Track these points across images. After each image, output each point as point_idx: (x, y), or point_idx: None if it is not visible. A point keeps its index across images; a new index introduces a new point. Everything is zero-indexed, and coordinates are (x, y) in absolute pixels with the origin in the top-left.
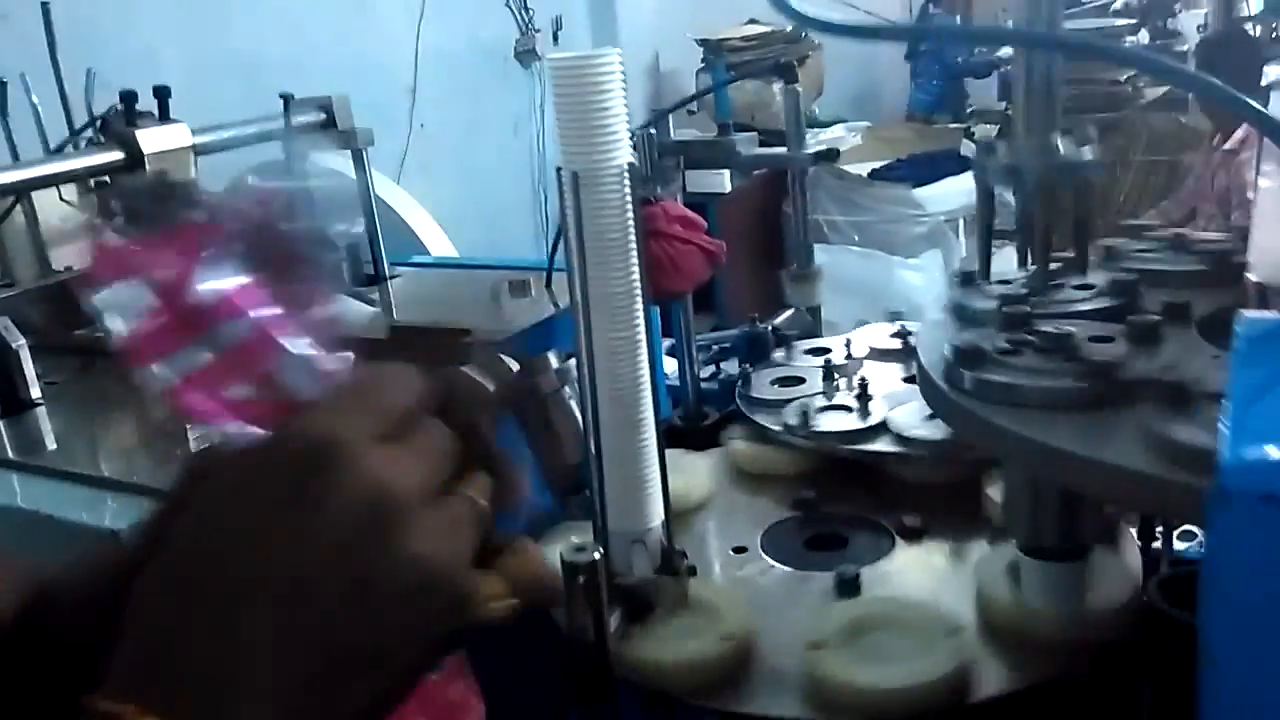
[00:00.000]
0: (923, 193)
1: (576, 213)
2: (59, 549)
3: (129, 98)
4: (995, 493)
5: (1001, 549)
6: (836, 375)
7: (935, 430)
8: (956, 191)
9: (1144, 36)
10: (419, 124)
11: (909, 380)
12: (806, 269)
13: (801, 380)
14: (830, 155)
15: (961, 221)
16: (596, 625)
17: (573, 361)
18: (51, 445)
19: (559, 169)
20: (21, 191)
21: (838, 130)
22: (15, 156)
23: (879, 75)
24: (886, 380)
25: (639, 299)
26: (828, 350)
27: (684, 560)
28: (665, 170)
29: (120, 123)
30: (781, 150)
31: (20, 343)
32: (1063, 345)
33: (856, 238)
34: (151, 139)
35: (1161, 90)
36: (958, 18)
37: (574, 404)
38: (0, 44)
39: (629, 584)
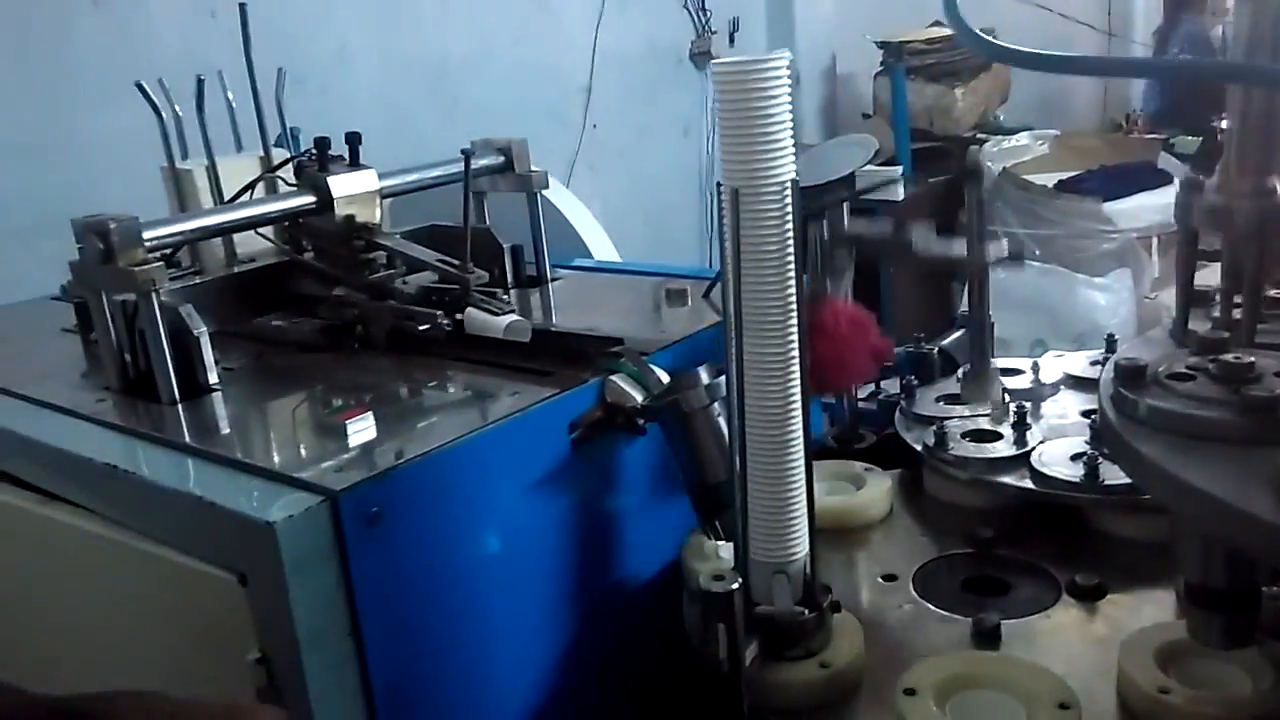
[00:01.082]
0: (1113, 207)
1: (735, 227)
2: (217, 533)
3: (322, 143)
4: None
5: (1161, 627)
6: (1009, 399)
7: (1075, 470)
8: (1150, 207)
9: None
10: (592, 124)
11: (1088, 414)
12: (981, 368)
13: (966, 401)
14: (1016, 258)
15: (1155, 240)
16: (731, 658)
17: (723, 378)
18: (222, 432)
19: (718, 184)
20: (224, 233)
21: (1023, 138)
22: (209, 153)
23: (1072, 80)
24: (1065, 410)
25: (794, 316)
26: (1018, 371)
27: (828, 595)
28: (837, 260)
29: (314, 168)
30: (959, 249)
31: (201, 330)
32: (1240, 375)
33: (1038, 252)
34: (342, 184)
35: None
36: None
37: (722, 421)
38: (207, 41)
39: (768, 614)
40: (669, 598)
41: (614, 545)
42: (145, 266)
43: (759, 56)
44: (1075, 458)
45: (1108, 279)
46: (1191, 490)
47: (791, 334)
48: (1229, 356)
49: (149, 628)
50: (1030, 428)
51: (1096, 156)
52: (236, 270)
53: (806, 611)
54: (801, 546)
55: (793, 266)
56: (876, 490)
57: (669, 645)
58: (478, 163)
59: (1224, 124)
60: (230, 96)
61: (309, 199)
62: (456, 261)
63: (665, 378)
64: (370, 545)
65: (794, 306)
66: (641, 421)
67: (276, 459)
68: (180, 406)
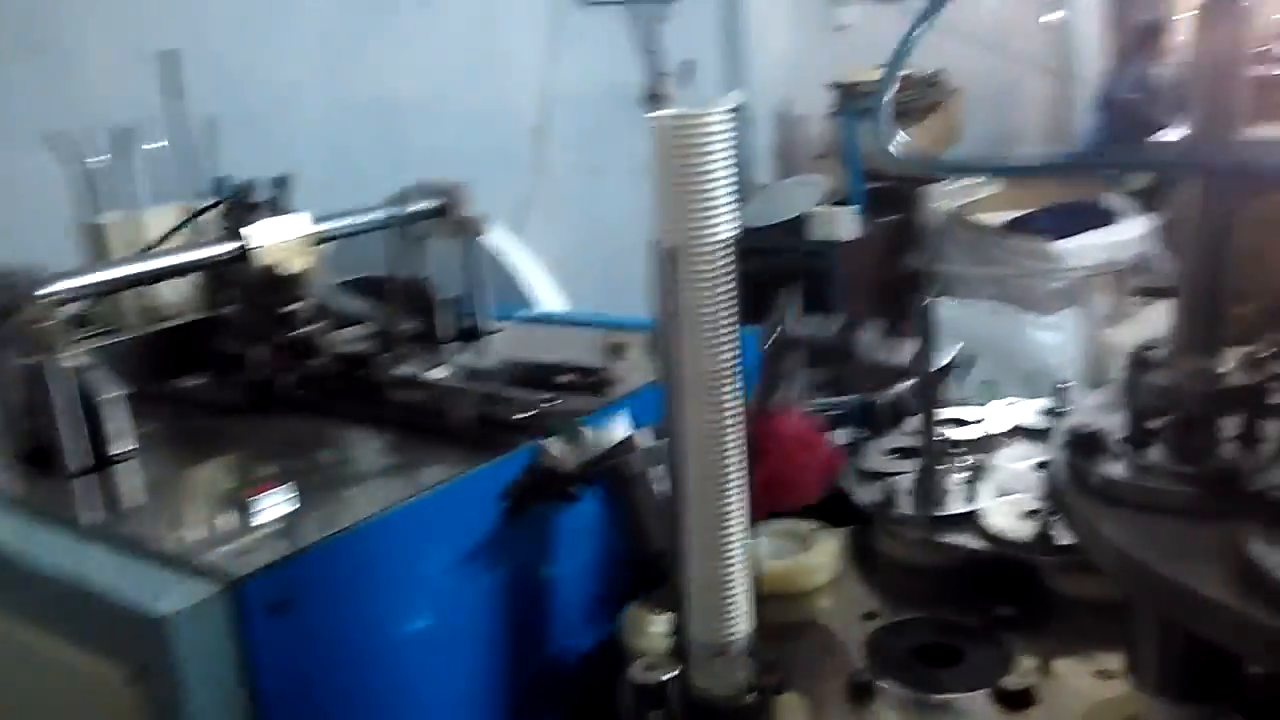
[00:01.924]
0: (1061, 246)
1: (673, 287)
2: (107, 625)
3: (245, 188)
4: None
5: (1119, 702)
6: (955, 452)
7: (1026, 529)
8: (1097, 246)
9: None
10: (544, 167)
11: (1042, 465)
12: (931, 472)
13: (918, 452)
14: (966, 365)
15: (1103, 278)
16: None
17: (663, 442)
18: (126, 505)
19: (651, 244)
20: (135, 285)
21: (975, 179)
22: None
23: (1021, 120)
24: (1016, 464)
25: (735, 380)
26: (965, 422)
27: (773, 677)
28: (786, 363)
29: (238, 214)
30: (902, 362)
31: (109, 395)
32: (1191, 435)
33: (984, 293)
34: (265, 232)
35: None
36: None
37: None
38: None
39: (709, 699)
40: (611, 671)
41: (550, 618)
42: (47, 324)
43: (697, 110)
44: (1027, 515)
45: (1056, 318)
46: (1143, 570)
47: (732, 399)
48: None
49: None
50: (980, 483)
51: (1046, 195)
52: (154, 328)
53: (749, 695)
54: (742, 624)
55: (734, 329)
56: (825, 552)
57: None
58: (415, 206)
59: None
60: (160, 144)
61: (228, 247)
62: (384, 312)
63: (600, 440)
64: (277, 636)
65: (736, 369)
66: (579, 488)
67: (176, 541)
68: (83, 480)
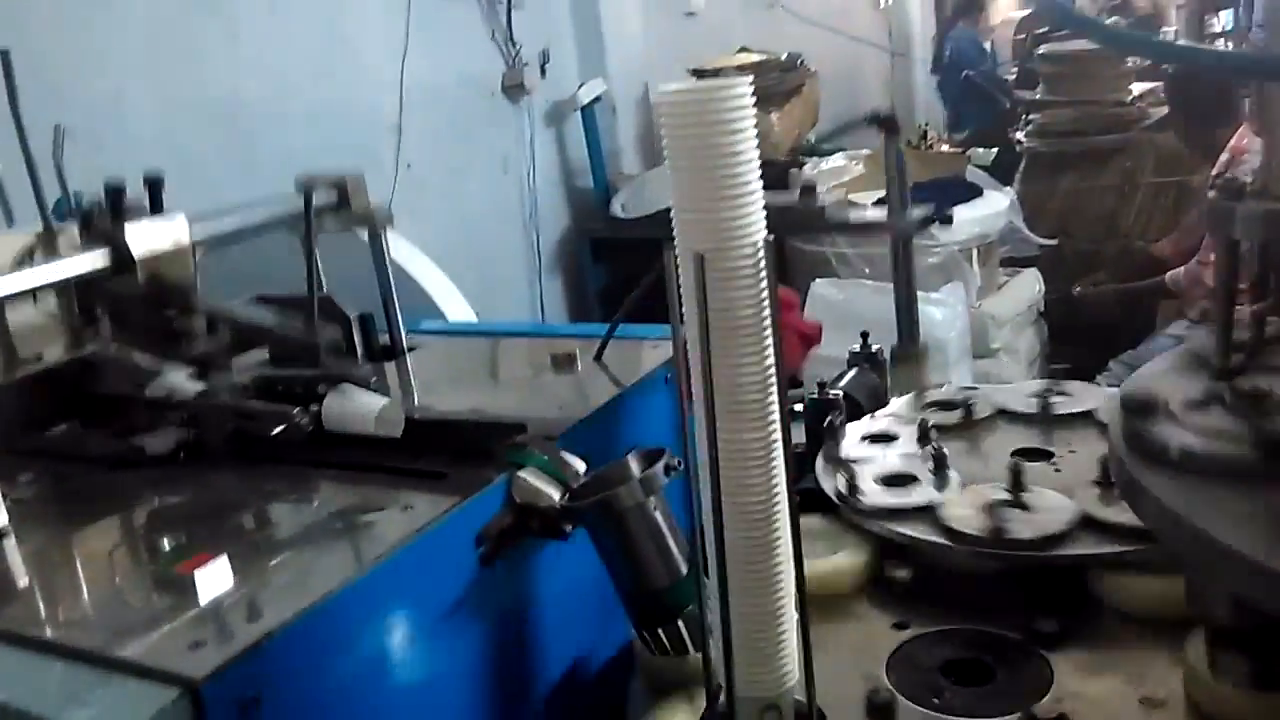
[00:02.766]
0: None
1: (701, 297)
2: None
3: (116, 191)
4: (1198, 660)
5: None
6: (936, 437)
7: (984, 523)
8: (968, 220)
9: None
10: (405, 164)
11: (1021, 454)
12: (911, 349)
13: (894, 438)
14: (946, 219)
15: (975, 251)
16: None
17: (659, 466)
18: (19, 594)
19: (669, 246)
20: None
21: (839, 159)
22: None
23: (865, 99)
24: (1000, 448)
25: (774, 395)
26: (954, 405)
27: None
28: None
29: (105, 219)
30: (879, 216)
31: None
32: (1258, 406)
33: (868, 270)
34: (143, 237)
35: (1165, 110)
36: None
37: (660, 517)
38: None
39: None
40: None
41: (536, 667)
42: None
43: (717, 83)
44: (993, 507)
45: (941, 293)
46: (1201, 537)
47: (773, 415)
48: (1246, 384)
49: None
50: (949, 471)
51: (912, 173)
52: (19, 375)
53: None
54: (794, 671)
55: (771, 338)
56: (860, 553)
57: None
58: (315, 200)
59: (1019, 135)
60: None
61: (102, 258)
62: (298, 326)
63: (582, 467)
64: None
65: (774, 383)
66: (567, 526)
67: (106, 636)
68: None
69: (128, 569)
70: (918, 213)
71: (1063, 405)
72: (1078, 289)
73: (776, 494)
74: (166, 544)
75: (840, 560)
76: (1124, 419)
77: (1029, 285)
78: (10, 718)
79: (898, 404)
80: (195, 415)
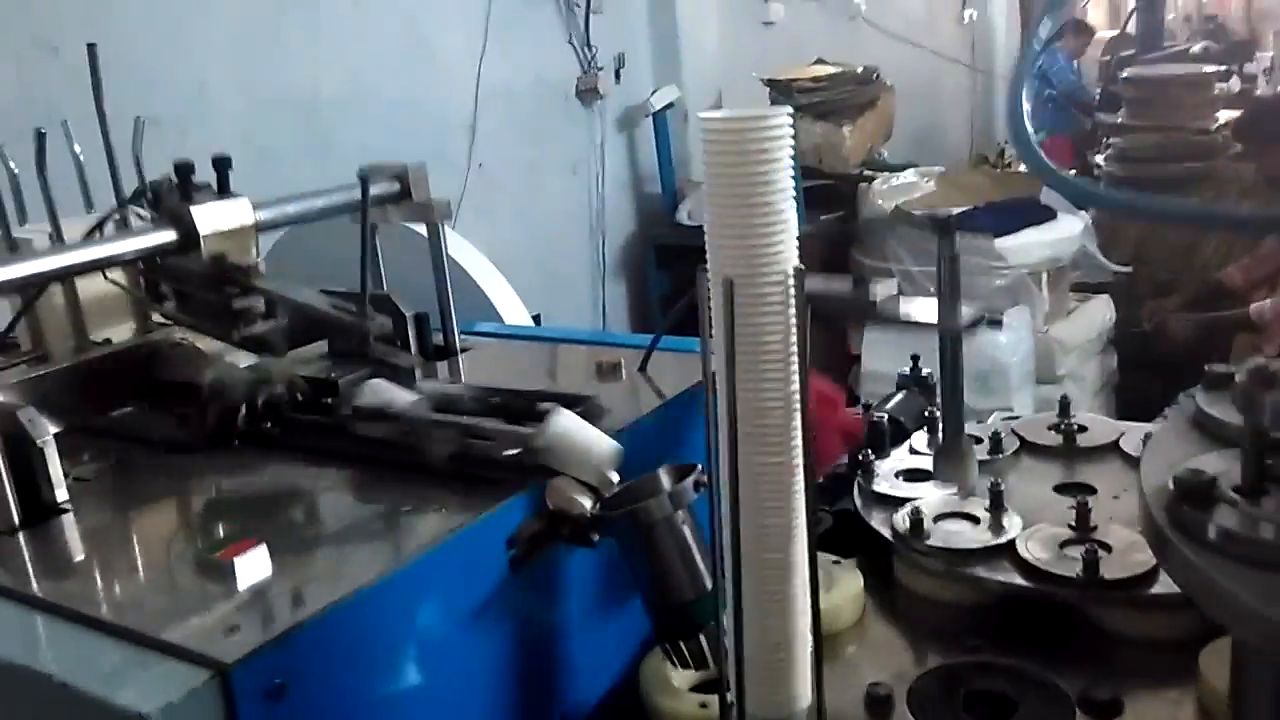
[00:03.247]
0: (1003, 243)
1: (728, 321)
2: None
3: (184, 169)
4: (1213, 671)
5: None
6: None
7: (1070, 565)
8: (1039, 243)
9: (1234, 83)
10: (477, 163)
11: (1061, 489)
12: (956, 442)
13: (930, 475)
14: (994, 323)
15: (1045, 275)
16: None
17: (689, 481)
18: (73, 571)
19: (702, 269)
20: (62, 278)
21: (910, 175)
22: (53, 216)
23: (943, 115)
24: (1034, 485)
25: (798, 421)
26: (977, 439)
27: None
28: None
29: (174, 196)
30: (929, 317)
31: (46, 437)
32: None
33: (931, 289)
34: (209, 217)
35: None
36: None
37: (688, 531)
38: (48, 83)
39: None
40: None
41: (561, 671)
42: None
43: (756, 111)
44: (1065, 545)
45: (1006, 316)
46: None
47: (796, 442)
48: None
49: None
50: (1006, 509)
51: (981, 193)
52: (88, 356)
53: None
54: (806, 694)
55: (796, 365)
56: (850, 590)
57: None
58: (373, 189)
59: (1099, 159)
60: (78, 149)
61: (169, 235)
62: (352, 308)
63: (615, 476)
64: None
65: (798, 409)
66: (595, 535)
67: (146, 616)
68: (20, 538)
69: (174, 552)
70: (968, 313)
71: (1085, 439)
72: (1147, 320)
73: (795, 520)
74: (211, 529)
75: (835, 598)
76: (1173, 502)
77: (1100, 312)
78: (58, 690)
79: (919, 440)
80: (415, 430)
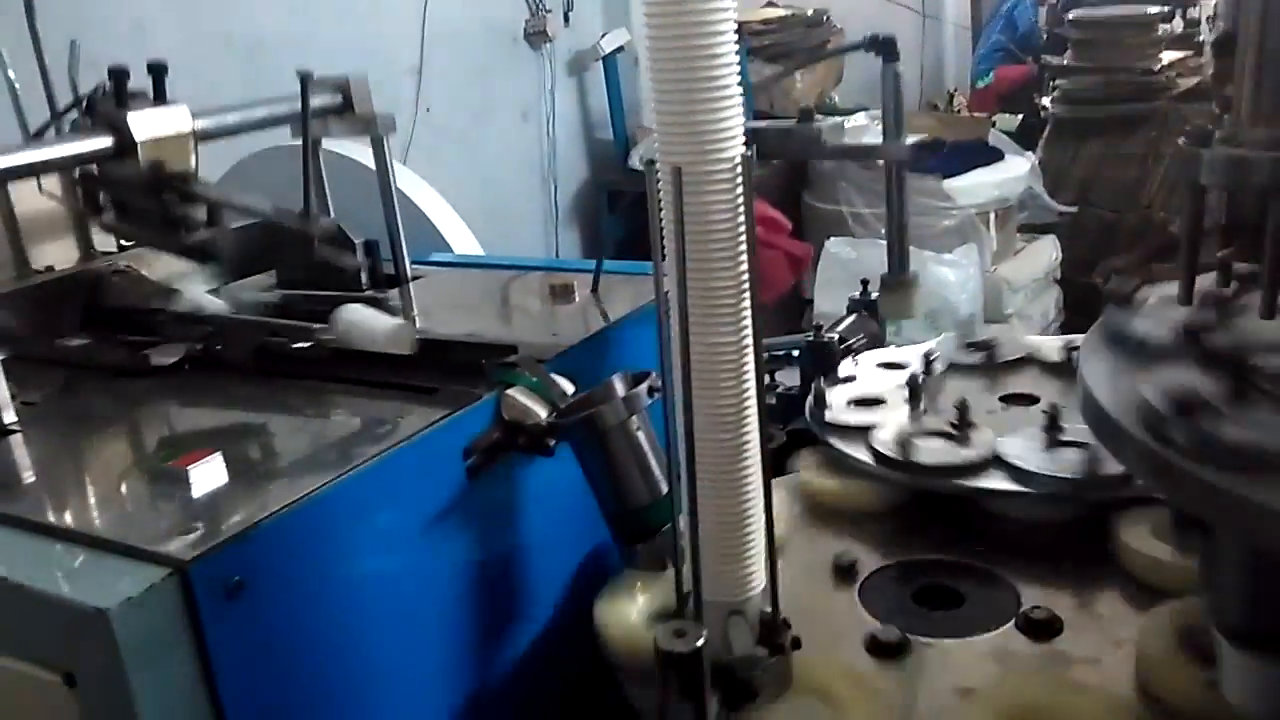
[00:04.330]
0: (952, 184)
1: (678, 209)
2: (31, 624)
3: (119, 75)
4: (1134, 538)
5: (1170, 612)
6: (922, 396)
7: (1058, 464)
8: (987, 183)
9: (1177, 24)
10: (425, 107)
11: (1006, 400)
12: (901, 276)
13: (881, 401)
14: (936, 145)
15: (992, 215)
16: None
17: (642, 388)
18: (26, 487)
19: (651, 161)
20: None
21: (860, 119)
22: None
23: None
24: (978, 401)
25: (747, 304)
26: (902, 365)
27: (788, 631)
28: None
29: (109, 104)
30: (874, 140)
31: None
32: None
33: (882, 231)
34: (145, 123)
35: (1194, 80)
36: None
37: (642, 437)
38: None
39: (725, 663)
40: (584, 635)
41: (520, 582)
42: None
43: None
44: (1048, 449)
45: (955, 255)
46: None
47: (746, 324)
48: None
49: None
50: (974, 425)
51: (931, 135)
52: (32, 282)
53: (767, 655)
54: (759, 579)
55: (745, 249)
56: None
57: (587, 688)
58: (314, 101)
59: (1045, 101)
60: (11, 75)
61: (104, 141)
62: (293, 214)
63: (570, 388)
64: (231, 623)
65: (748, 293)
66: (551, 442)
67: (102, 521)
68: None
69: (127, 465)
70: (913, 139)
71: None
72: (1099, 278)
73: (747, 399)
74: (164, 444)
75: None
76: (1165, 420)
77: (1046, 252)
78: (13, 593)
79: (850, 366)
80: (221, 329)
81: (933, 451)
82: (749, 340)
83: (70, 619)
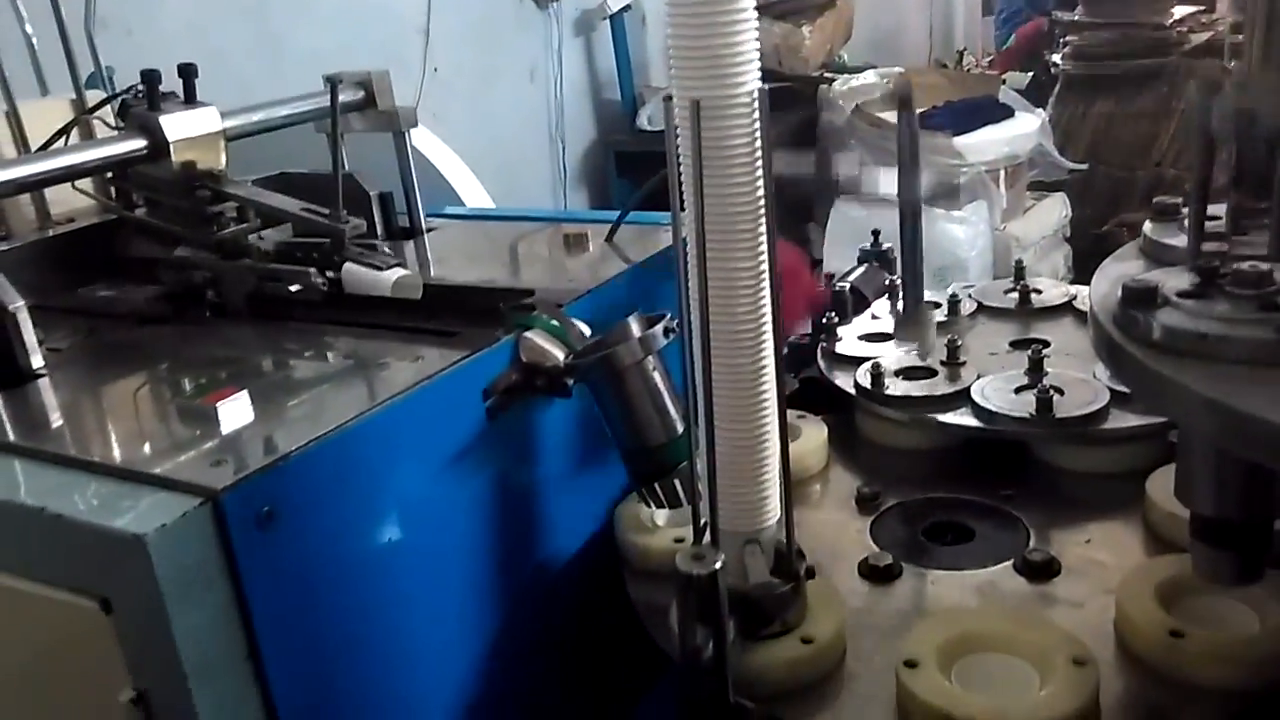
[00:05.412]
0: (962, 141)
1: (695, 144)
2: (68, 552)
3: (151, 78)
4: (1156, 492)
5: (1154, 565)
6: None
7: (1021, 406)
8: (996, 140)
9: None
10: (433, 68)
11: (1015, 344)
12: (916, 313)
13: (889, 337)
14: (950, 195)
15: (1002, 172)
16: (716, 644)
17: (657, 328)
18: (58, 425)
19: (667, 97)
20: (32, 189)
21: (869, 76)
22: (8, 95)
23: (902, 18)
24: (990, 342)
25: (764, 226)
26: (936, 304)
27: (803, 561)
28: None
29: (142, 106)
30: (889, 191)
31: (18, 304)
32: (1261, 286)
33: (892, 189)
34: (177, 125)
35: (1206, 36)
36: None
37: (657, 376)
38: None
39: (741, 591)
40: (604, 572)
41: (540, 519)
42: None
43: None
44: (1019, 390)
45: (965, 211)
46: (1243, 418)
47: (762, 246)
48: (1246, 266)
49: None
50: (964, 362)
51: (940, 93)
52: (53, 233)
53: (782, 583)
54: (775, 510)
55: (762, 184)
56: (815, 439)
57: (607, 624)
58: (342, 98)
59: (1055, 58)
60: (29, 29)
61: (139, 143)
62: (325, 210)
63: (587, 331)
64: (263, 551)
65: (764, 216)
66: (569, 382)
67: (134, 455)
68: (1, 398)
69: (155, 404)
70: (927, 184)
71: (1040, 300)
72: (1111, 229)
73: (764, 324)
74: (194, 383)
75: (801, 446)
76: (1121, 310)
77: (1055, 210)
78: (51, 523)
79: (880, 307)
80: (217, 275)
81: (904, 385)
82: (765, 266)
83: (107, 546)
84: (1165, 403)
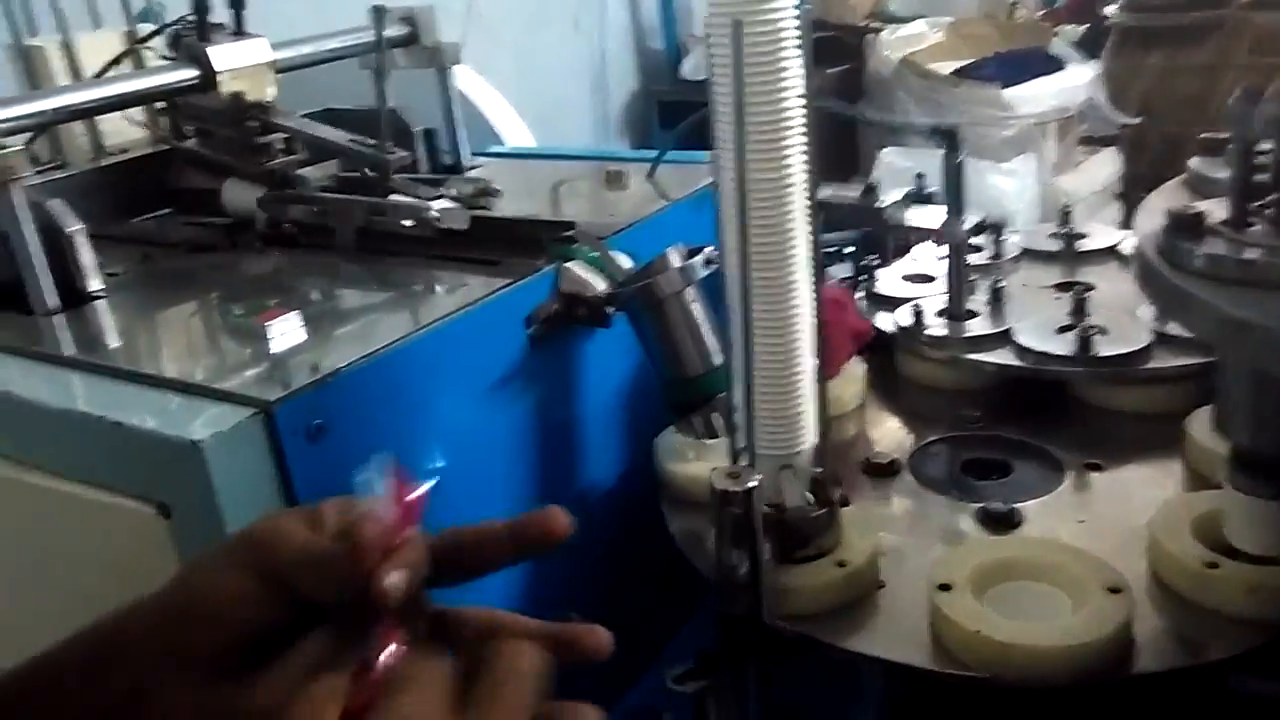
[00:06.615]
0: (1012, 94)
1: (738, 67)
2: (128, 459)
3: (202, 7)
4: (1199, 431)
5: (1190, 498)
6: (975, 276)
7: (1063, 345)
8: (1046, 93)
9: None
10: (477, 12)
11: (1061, 286)
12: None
13: (931, 279)
14: (995, 228)
15: (1053, 125)
16: (751, 562)
17: (697, 259)
18: (117, 343)
19: (705, 37)
20: (84, 116)
21: (919, 26)
22: (64, 31)
23: None
24: (1034, 284)
25: (802, 133)
26: (977, 248)
27: (838, 488)
28: None
29: (193, 37)
30: (930, 224)
31: (76, 227)
32: None
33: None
34: (226, 55)
35: None
36: None
37: (697, 308)
38: None
39: (777, 515)
40: (643, 503)
41: (579, 449)
42: (2, 152)
43: None
44: (1061, 330)
45: (1013, 164)
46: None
47: (803, 158)
48: None
49: (56, 575)
50: (1005, 302)
51: (989, 44)
52: (106, 163)
53: (818, 507)
54: (809, 435)
55: (804, 114)
56: (853, 374)
57: (646, 553)
58: (386, 33)
59: (1109, 9)
60: None
61: (189, 73)
62: (371, 142)
63: (627, 262)
64: (314, 463)
65: (804, 124)
66: (610, 310)
67: (190, 370)
68: (62, 317)
69: (209, 324)
70: (971, 222)
71: (1085, 244)
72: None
73: (796, 259)
74: (239, 306)
75: (838, 384)
76: (1165, 238)
77: (1107, 165)
78: (111, 431)
79: (920, 249)
80: (325, 209)
81: (939, 325)
82: (804, 215)
83: (165, 453)
84: (1205, 325)
